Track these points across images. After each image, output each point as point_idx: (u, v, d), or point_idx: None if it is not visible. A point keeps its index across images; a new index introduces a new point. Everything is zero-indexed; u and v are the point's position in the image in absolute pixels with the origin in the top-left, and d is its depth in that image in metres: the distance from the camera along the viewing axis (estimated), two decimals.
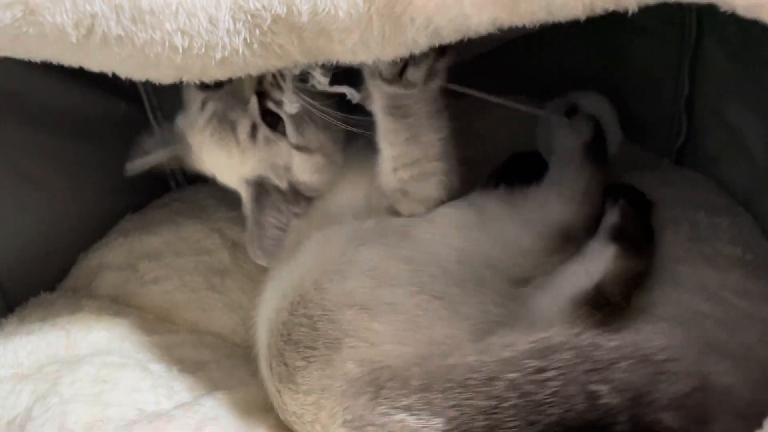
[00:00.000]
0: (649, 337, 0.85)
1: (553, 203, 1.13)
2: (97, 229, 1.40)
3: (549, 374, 0.82)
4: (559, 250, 1.09)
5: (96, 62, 0.89)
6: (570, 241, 1.10)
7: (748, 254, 1.11)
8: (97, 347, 1.13)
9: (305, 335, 0.97)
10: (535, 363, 0.83)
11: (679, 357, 0.82)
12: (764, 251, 1.13)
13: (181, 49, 0.83)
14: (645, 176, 1.30)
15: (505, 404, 0.80)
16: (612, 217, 1.14)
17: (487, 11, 0.75)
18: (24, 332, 1.14)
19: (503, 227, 1.08)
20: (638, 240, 1.12)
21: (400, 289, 0.98)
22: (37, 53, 0.89)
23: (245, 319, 1.24)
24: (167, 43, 0.83)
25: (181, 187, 1.56)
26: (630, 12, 0.72)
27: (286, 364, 0.98)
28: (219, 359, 1.17)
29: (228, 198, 1.43)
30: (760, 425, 0.67)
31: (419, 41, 0.80)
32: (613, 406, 0.77)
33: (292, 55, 0.86)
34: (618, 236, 1.10)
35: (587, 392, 0.79)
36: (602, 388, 0.78)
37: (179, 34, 0.82)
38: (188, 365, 1.14)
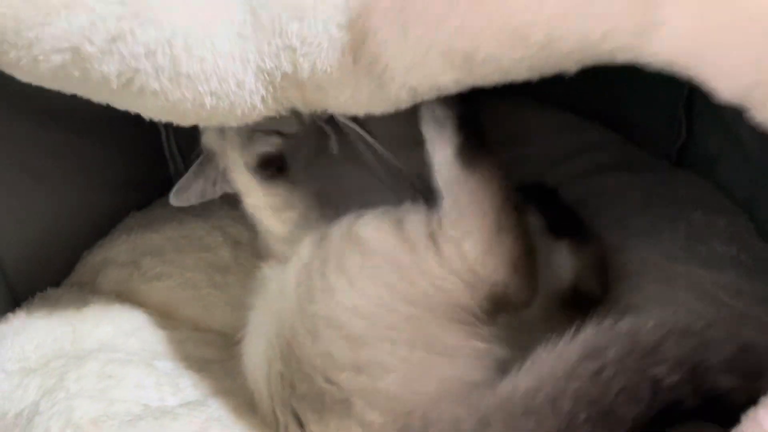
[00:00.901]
0: (679, 311, 0.88)
1: None
2: (102, 226, 1.42)
3: (608, 373, 0.78)
4: None
5: (125, 106, 0.95)
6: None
7: (743, 254, 1.12)
8: (103, 343, 1.15)
9: (309, 390, 0.94)
10: (591, 365, 0.80)
11: (715, 322, 0.83)
12: (759, 251, 1.14)
13: (209, 107, 0.91)
14: (643, 176, 1.32)
15: (578, 420, 0.77)
16: (534, 219, 1.12)
17: (449, 73, 0.81)
18: (31, 327, 1.15)
19: None
20: (574, 224, 1.12)
21: (374, 347, 0.92)
22: (71, 90, 0.95)
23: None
24: (197, 102, 0.90)
25: None
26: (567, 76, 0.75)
27: (295, 414, 0.95)
28: (223, 359, 1.19)
29: (230, 196, 1.47)
30: None
31: (401, 97, 0.87)
32: (675, 384, 0.76)
33: (295, 106, 0.95)
34: (557, 230, 1.09)
35: (649, 379, 0.77)
36: (661, 370, 0.77)
37: (209, 95, 0.90)
38: (193, 363, 1.16)
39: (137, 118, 1.43)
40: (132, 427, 0.98)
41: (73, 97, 1.28)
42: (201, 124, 0.97)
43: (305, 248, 1.04)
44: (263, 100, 0.92)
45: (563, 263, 1.07)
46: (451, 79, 0.82)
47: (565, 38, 0.70)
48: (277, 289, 1.05)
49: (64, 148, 1.31)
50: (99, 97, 0.93)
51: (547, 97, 1.56)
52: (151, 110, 0.94)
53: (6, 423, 1.01)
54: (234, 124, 0.96)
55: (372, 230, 0.99)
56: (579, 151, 1.45)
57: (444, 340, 0.92)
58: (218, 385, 1.12)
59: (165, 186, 1.54)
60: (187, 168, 1.55)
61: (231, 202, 1.43)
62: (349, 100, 0.89)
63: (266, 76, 0.90)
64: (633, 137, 1.48)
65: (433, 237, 0.95)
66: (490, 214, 0.93)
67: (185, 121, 0.96)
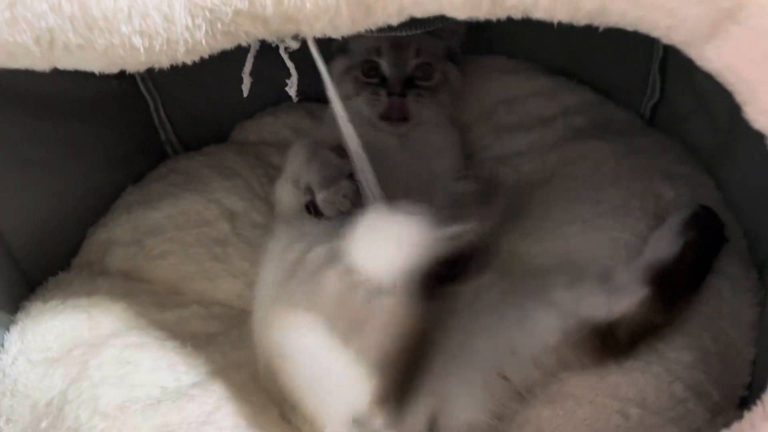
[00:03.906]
0: None
1: None
2: (102, 203, 1.47)
3: None
4: None
5: (67, 65, 0.89)
6: None
7: None
8: (116, 327, 1.22)
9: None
10: None
11: None
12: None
13: (142, 49, 0.83)
14: (615, 144, 1.36)
15: None
16: (665, 250, 1.07)
17: (463, 11, 0.79)
18: (48, 316, 1.22)
19: None
20: (679, 294, 1.05)
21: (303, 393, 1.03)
22: (8, 65, 0.89)
23: (249, 284, 1.33)
24: (127, 45, 0.83)
25: (177, 153, 1.62)
26: None
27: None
28: (227, 330, 1.27)
29: (222, 167, 1.52)
30: None
31: (391, 22, 0.84)
32: None
33: (258, 37, 0.88)
34: (659, 280, 1.03)
35: None
36: None
37: (138, 35, 0.82)
38: (200, 340, 1.23)
39: (123, 94, 1.47)
40: (154, 410, 1.07)
41: (60, 82, 1.32)
42: (152, 65, 0.88)
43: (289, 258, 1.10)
44: (209, 35, 0.84)
45: (623, 303, 1.03)
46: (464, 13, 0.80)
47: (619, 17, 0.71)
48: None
49: (56, 134, 1.33)
50: (37, 65, 0.88)
51: (524, 56, 1.58)
52: (92, 65, 0.88)
53: (38, 412, 1.10)
54: (188, 60, 0.88)
55: (330, 282, 1.02)
56: (554, 117, 1.48)
57: None
58: (226, 361, 1.20)
59: (157, 155, 1.60)
60: (177, 136, 1.60)
61: (223, 173, 1.49)
62: (326, 28, 0.84)
63: (207, 12, 0.81)
64: (609, 95, 1.52)
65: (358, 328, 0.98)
66: (390, 344, 0.95)
67: (133, 68, 0.88)
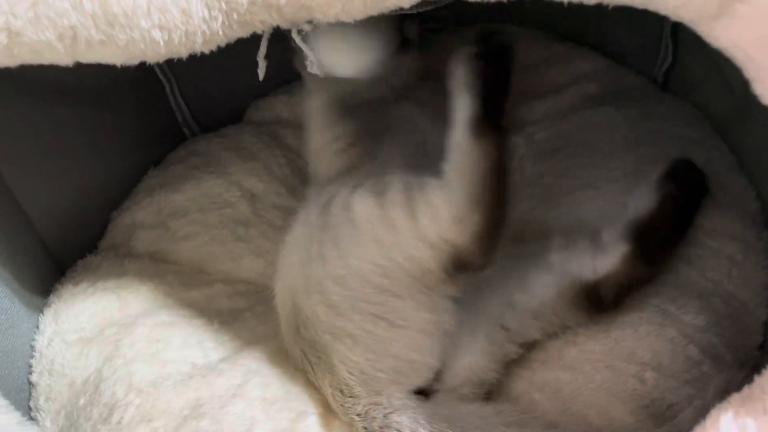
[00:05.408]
0: None
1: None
2: (125, 186, 1.51)
3: None
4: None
5: (90, 60, 0.92)
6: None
7: (719, 192, 1.18)
8: (146, 307, 1.26)
9: (307, 336, 1.08)
10: None
11: None
12: (734, 186, 1.20)
13: (162, 43, 0.86)
14: (628, 111, 1.36)
15: None
16: (644, 206, 1.08)
17: None
18: (80, 298, 1.26)
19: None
20: (661, 247, 1.07)
21: (347, 318, 1.03)
22: (33, 61, 0.92)
23: (271, 262, 1.32)
24: (147, 39, 0.86)
25: (195, 134, 1.65)
26: None
27: (303, 352, 1.10)
28: (252, 306, 1.30)
29: (240, 150, 1.54)
30: None
31: (403, 5, 0.86)
32: None
33: (273, 24, 0.91)
34: (638, 236, 1.05)
35: None
36: None
37: (157, 29, 0.85)
38: (226, 317, 1.27)
39: (139, 78, 1.49)
40: (185, 386, 1.11)
41: (78, 72, 1.33)
42: (171, 57, 0.92)
43: (313, 209, 1.13)
44: (226, 26, 0.87)
45: (607, 262, 1.06)
46: None
47: None
48: (294, 235, 1.16)
49: (76, 120, 1.36)
50: (60, 60, 0.91)
51: (535, 23, 1.58)
52: (113, 59, 0.90)
53: (76, 390, 1.15)
54: (205, 49, 0.91)
55: (359, 203, 1.06)
56: (567, 85, 1.48)
57: (403, 312, 1.02)
58: (253, 335, 1.23)
59: (176, 137, 1.63)
60: (194, 117, 1.62)
61: (242, 155, 1.51)
62: (339, 14, 0.87)
63: (223, 4, 0.84)
64: (621, 61, 1.51)
65: (409, 203, 1.01)
66: (474, 186, 0.98)
67: (154, 59, 0.91)
